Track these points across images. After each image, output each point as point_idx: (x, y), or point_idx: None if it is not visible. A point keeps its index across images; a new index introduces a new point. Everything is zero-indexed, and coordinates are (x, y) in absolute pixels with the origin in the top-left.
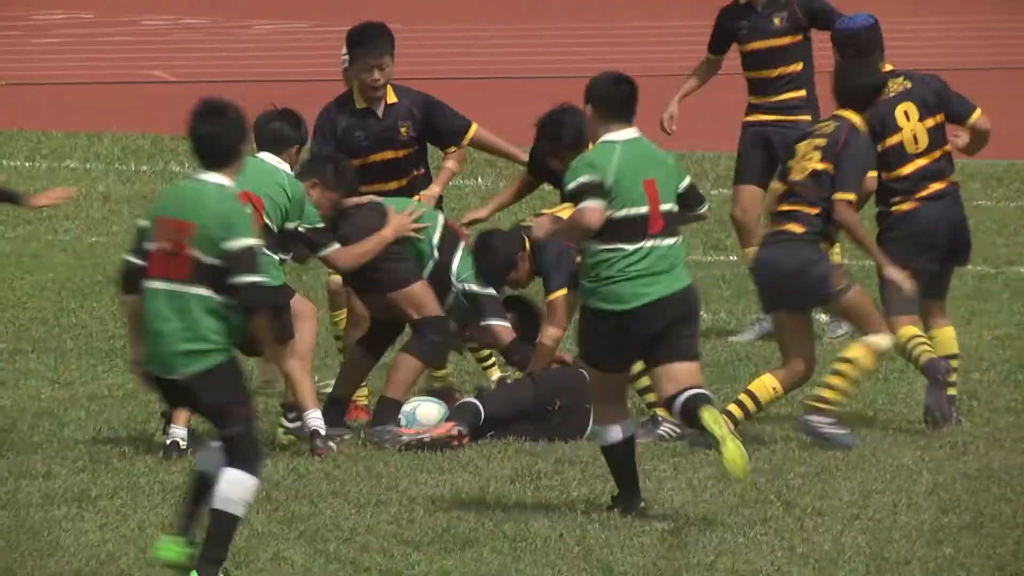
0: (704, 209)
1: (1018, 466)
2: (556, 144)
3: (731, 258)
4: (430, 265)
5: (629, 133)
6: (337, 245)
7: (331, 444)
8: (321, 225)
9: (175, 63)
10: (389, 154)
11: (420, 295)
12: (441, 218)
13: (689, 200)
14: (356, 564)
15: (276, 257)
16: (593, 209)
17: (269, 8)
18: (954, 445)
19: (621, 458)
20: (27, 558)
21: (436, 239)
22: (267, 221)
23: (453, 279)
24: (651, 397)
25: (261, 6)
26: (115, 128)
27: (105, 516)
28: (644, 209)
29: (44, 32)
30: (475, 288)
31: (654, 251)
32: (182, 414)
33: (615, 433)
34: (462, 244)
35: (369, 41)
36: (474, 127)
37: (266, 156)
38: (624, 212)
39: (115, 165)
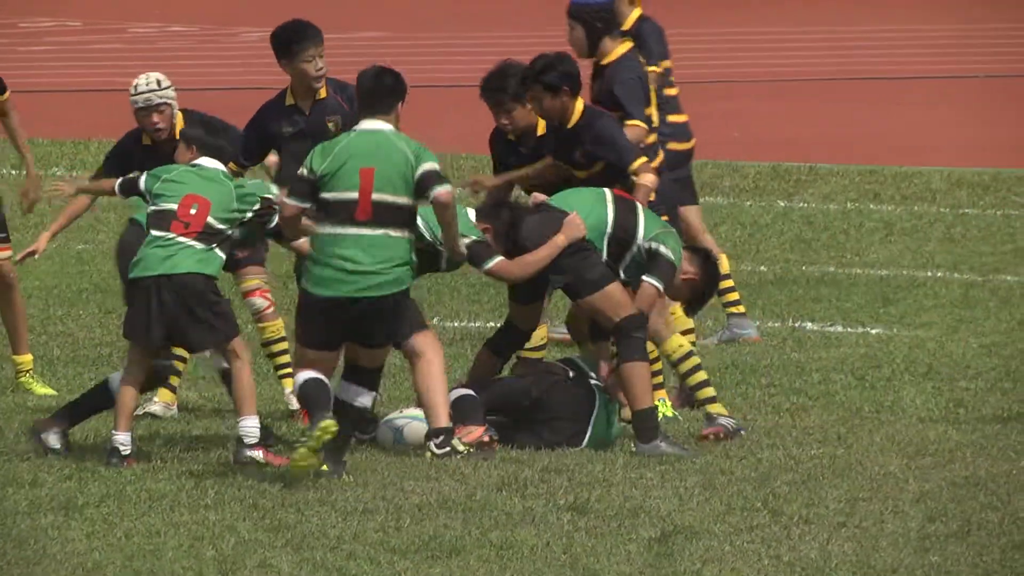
0: (437, 191)
1: (1005, 474)
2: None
3: None
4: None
5: (371, 124)
6: (500, 258)
7: (254, 453)
8: (481, 238)
9: (162, 70)
10: None
11: (617, 295)
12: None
13: (421, 186)
14: (343, 572)
15: (220, 255)
16: (286, 205)
17: (256, 15)
18: (941, 453)
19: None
20: (13, 567)
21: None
22: (212, 221)
23: (639, 240)
24: (705, 393)
25: (248, 13)
26: (102, 135)
27: (92, 524)
28: (353, 195)
29: (31, 40)
30: (663, 249)
31: (359, 239)
32: (123, 420)
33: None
34: (639, 206)
35: (308, 33)
36: None
37: (205, 161)
38: (334, 195)
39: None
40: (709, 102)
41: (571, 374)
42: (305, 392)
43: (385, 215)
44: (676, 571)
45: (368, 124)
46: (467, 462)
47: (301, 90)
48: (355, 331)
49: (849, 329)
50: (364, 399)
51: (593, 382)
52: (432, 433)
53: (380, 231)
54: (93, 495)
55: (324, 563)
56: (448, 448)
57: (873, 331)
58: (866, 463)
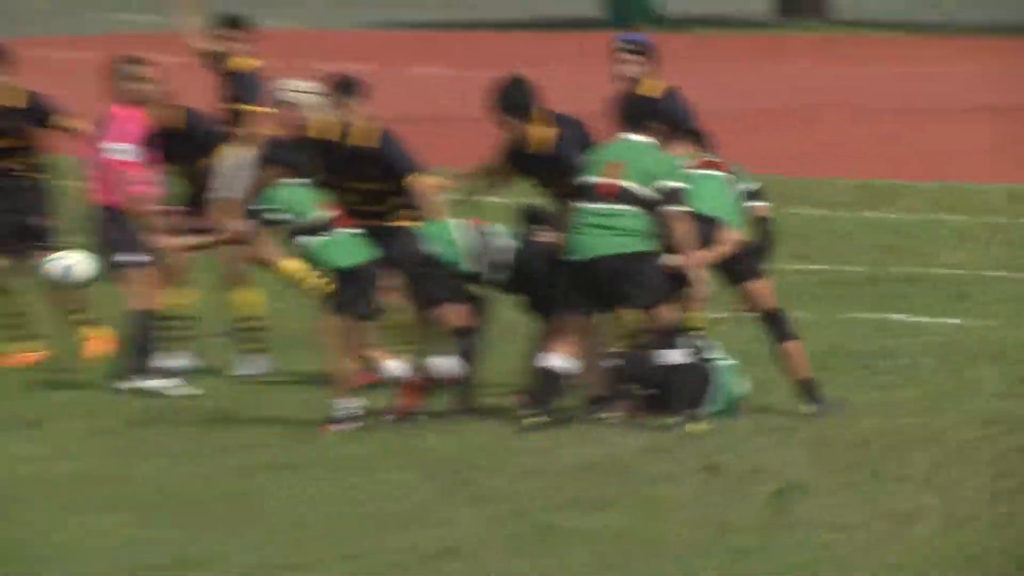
0: (668, 209)
1: None
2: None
3: None
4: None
5: (627, 136)
6: None
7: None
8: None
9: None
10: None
11: (764, 287)
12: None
13: (662, 195)
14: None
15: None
16: None
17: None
18: (1009, 422)
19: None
20: (220, 523)
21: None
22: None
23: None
24: None
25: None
26: None
27: (303, 483)
28: (596, 180)
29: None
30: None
31: (595, 210)
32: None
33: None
34: None
35: None
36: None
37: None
38: (582, 181)
39: None
40: (806, 126)
41: (693, 353)
42: (542, 377)
43: (621, 194)
44: (792, 521)
45: (625, 135)
46: (613, 430)
47: None
48: (607, 292)
49: (931, 320)
50: (674, 356)
51: (711, 361)
52: (593, 400)
53: (615, 205)
54: (304, 456)
55: (499, 515)
56: (604, 415)
57: (951, 321)
58: (948, 431)
